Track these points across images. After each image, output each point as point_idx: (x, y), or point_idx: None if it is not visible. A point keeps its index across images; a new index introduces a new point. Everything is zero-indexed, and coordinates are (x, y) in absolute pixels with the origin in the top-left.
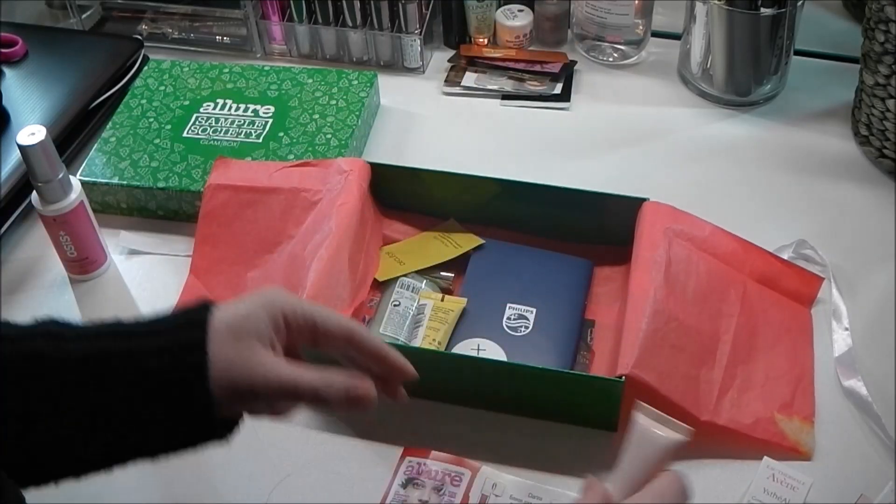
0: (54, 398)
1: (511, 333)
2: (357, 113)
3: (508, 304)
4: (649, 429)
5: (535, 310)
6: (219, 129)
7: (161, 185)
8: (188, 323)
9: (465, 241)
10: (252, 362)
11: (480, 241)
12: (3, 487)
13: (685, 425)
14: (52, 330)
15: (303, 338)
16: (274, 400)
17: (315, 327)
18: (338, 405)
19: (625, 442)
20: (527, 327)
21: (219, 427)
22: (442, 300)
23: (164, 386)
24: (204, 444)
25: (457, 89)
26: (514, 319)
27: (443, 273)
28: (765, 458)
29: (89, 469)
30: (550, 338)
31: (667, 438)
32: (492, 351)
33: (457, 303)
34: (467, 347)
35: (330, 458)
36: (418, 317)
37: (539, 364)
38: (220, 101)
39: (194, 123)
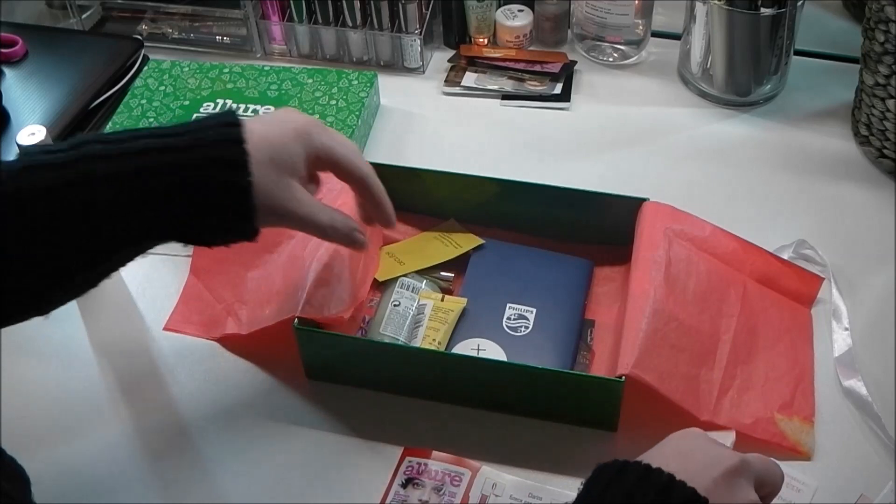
0: (112, 210)
1: (511, 333)
2: (357, 113)
3: (508, 305)
4: None
5: (535, 310)
6: None
7: None
8: (228, 140)
9: (465, 241)
10: (288, 196)
11: (480, 241)
12: (2, 464)
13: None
14: (95, 153)
15: (322, 170)
16: (293, 227)
17: (337, 167)
18: (337, 242)
19: None
20: (527, 327)
21: (252, 233)
22: (442, 300)
23: (211, 197)
24: (234, 242)
25: (457, 89)
26: (514, 319)
27: (443, 273)
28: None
29: (130, 257)
30: (550, 338)
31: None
32: (492, 351)
33: (457, 303)
34: (467, 347)
35: (330, 458)
36: (418, 317)
37: (539, 364)
38: (220, 101)
39: None
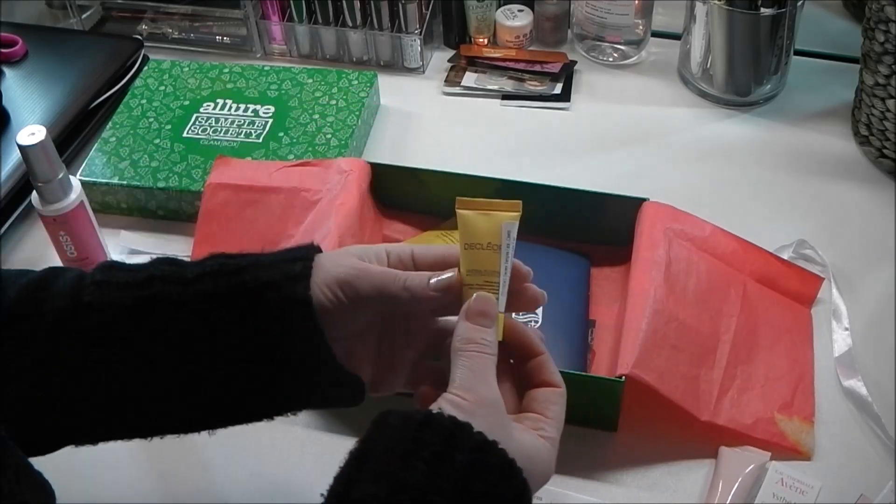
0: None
1: None
2: (357, 113)
3: None
4: None
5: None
6: (219, 129)
7: (161, 185)
8: (297, 259)
9: None
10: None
11: None
12: (27, 476)
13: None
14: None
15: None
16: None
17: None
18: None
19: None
20: (537, 321)
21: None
22: None
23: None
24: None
25: (457, 89)
26: (523, 315)
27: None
28: (773, 462)
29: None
30: (562, 333)
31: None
32: None
33: None
34: None
35: (330, 458)
36: None
37: (557, 357)
38: (220, 101)
39: (194, 123)
